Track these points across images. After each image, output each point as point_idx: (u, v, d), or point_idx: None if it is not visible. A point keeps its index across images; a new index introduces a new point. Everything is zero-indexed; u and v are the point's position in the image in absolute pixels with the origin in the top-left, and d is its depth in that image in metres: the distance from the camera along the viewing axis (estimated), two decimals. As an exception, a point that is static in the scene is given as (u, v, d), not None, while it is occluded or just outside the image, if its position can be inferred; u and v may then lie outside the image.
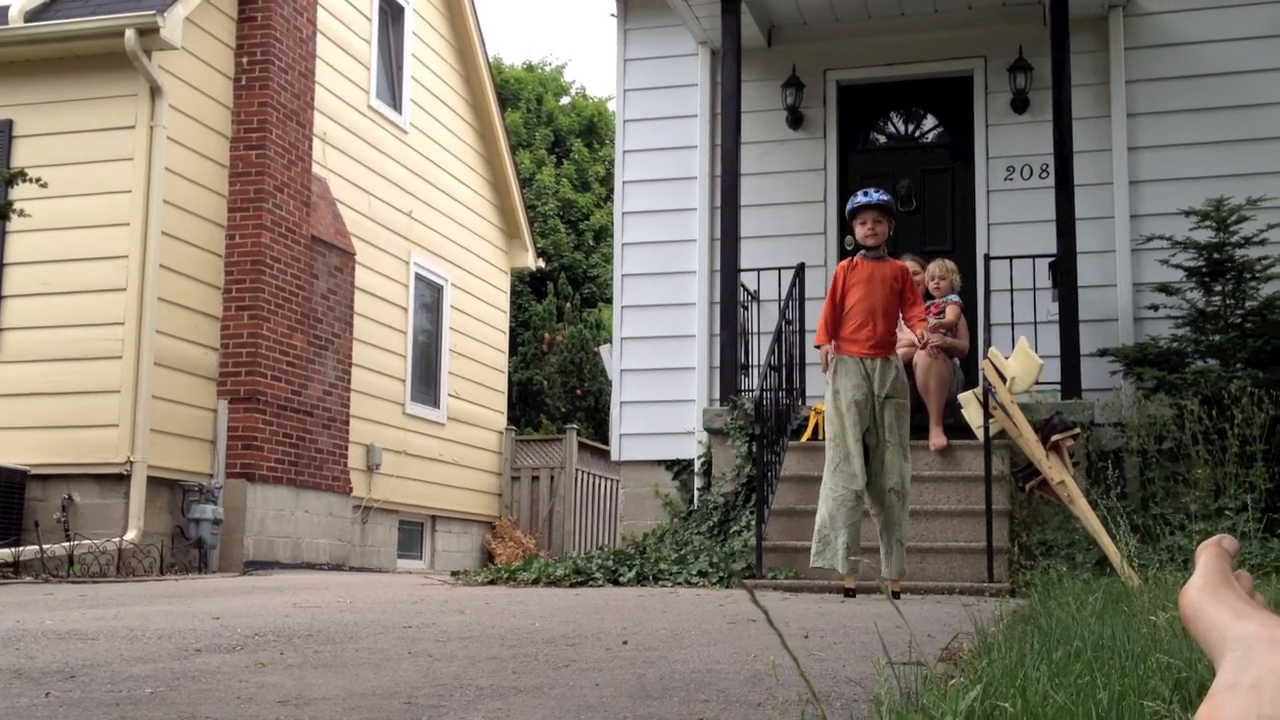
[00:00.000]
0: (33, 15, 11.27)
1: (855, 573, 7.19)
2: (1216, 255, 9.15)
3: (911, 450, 9.05)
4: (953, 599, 7.02)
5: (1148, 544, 7.52)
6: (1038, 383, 8.34)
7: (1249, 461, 8.02)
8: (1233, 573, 0.79)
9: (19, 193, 9.92)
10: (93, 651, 4.19)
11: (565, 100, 29.07)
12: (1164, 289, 9.37)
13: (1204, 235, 9.26)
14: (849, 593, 7.20)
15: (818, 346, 7.58)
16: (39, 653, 4.14)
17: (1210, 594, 0.76)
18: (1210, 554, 0.79)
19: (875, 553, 7.36)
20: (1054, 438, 7.75)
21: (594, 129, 27.99)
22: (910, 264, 9.58)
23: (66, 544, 10.36)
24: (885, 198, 7.39)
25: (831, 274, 10.35)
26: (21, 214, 9.83)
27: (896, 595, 7.06)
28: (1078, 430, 7.99)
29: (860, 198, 7.41)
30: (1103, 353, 9.55)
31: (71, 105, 11.26)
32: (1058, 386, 9.12)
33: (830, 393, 7.37)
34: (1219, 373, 8.62)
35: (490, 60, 18.02)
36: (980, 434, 8.26)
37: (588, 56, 63.54)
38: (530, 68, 29.33)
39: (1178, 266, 9.31)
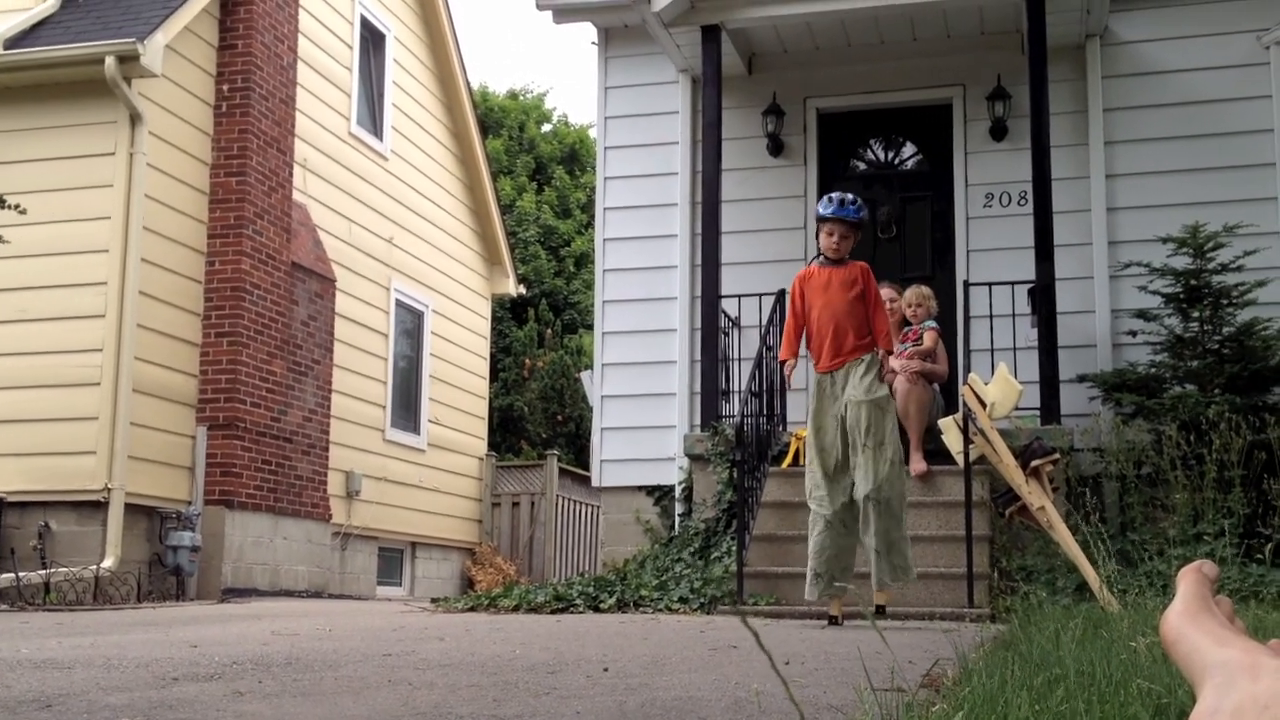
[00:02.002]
0: (13, 42, 11.26)
1: (837, 598, 7.05)
2: (1194, 281, 9.20)
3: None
4: (933, 625, 7.02)
5: (1127, 569, 7.54)
6: (1017, 408, 8.36)
7: (1227, 487, 8.04)
8: (1213, 598, 0.79)
9: (-3, 219, 9.87)
10: (69, 680, 4.16)
11: (547, 127, 29.13)
12: (1142, 315, 9.42)
13: (1181, 262, 9.32)
14: (832, 620, 7.05)
15: (781, 362, 7.48)
16: (15, 682, 4.11)
17: (1191, 619, 0.76)
18: (1190, 579, 0.79)
19: (867, 578, 7.15)
20: (1034, 463, 7.77)
21: (575, 156, 28.04)
22: (888, 291, 9.63)
23: (43, 572, 10.29)
24: (856, 215, 7.17)
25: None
26: (0, 240, 9.78)
27: (881, 610, 6.87)
28: (1057, 456, 8.01)
29: (832, 208, 7.17)
30: (1082, 378, 9.59)
31: (51, 132, 11.24)
32: (1037, 412, 9.15)
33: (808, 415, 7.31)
34: (1197, 398, 8.66)
35: (471, 87, 18.06)
36: (960, 460, 8.26)
37: (569, 84, 63.75)
38: (513, 95, 29.38)
39: (1155, 293, 9.36)
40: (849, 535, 7.09)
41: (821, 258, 7.26)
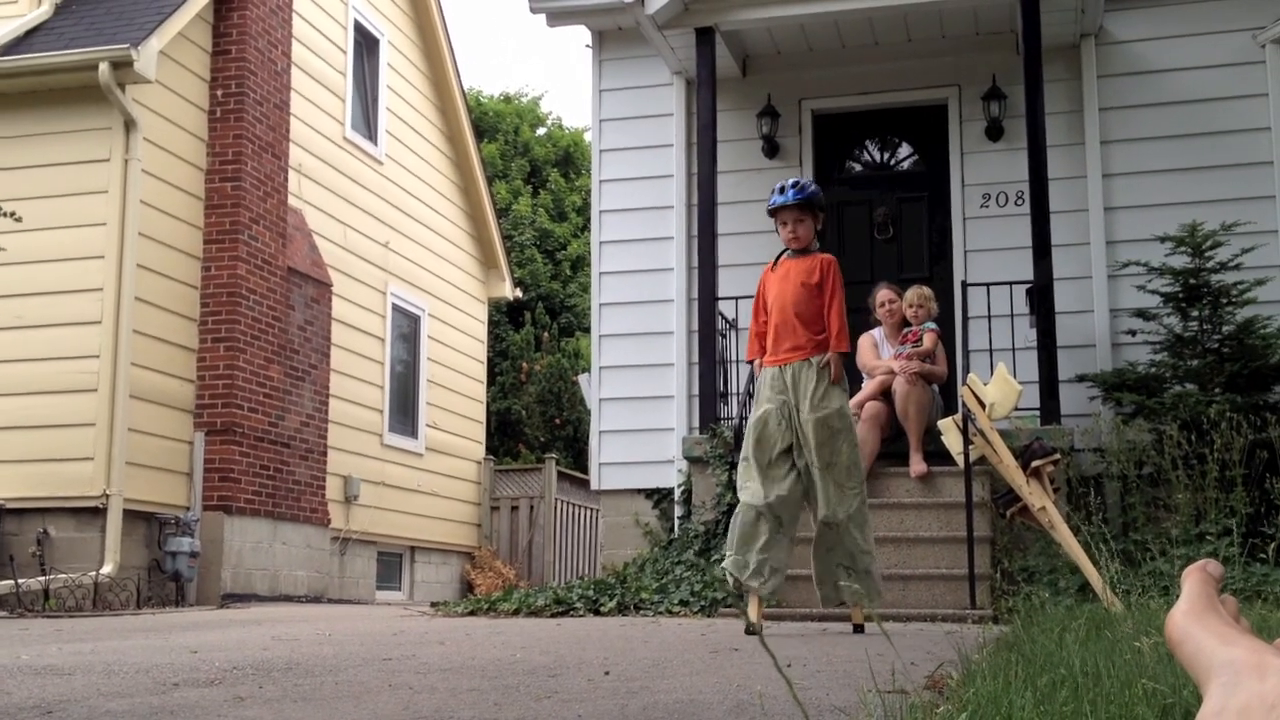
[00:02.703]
0: (6, 49, 11.25)
1: (759, 601, 6.55)
2: (1192, 280, 9.20)
3: (892, 477, 9.09)
4: (935, 626, 7.01)
5: (1129, 569, 7.52)
6: (1017, 409, 8.34)
7: (1229, 486, 8.03)
8: (1218, 597, 0.78)
9: (-7, 226, 9.87)
10: (69, 687, 4.15)
11: (542, 131, 29.12)
12: (1141, 314, 9.42)
13: (1180, 261, 9.31)
14: (750, 628, 6.33)
15: (749, 362, 7.15)
16: (15, 688, 4.10)
17: (1196, 619, 0.76)
18: (1195, 579, 0.79)
19: (803, 580, 6.78)
20: (1034, 464, 7.75)
21: (570, 159, 28.04)
22: (887, 292, 9.63)
23: (42, 578, 10.28)
24: (799, 195, 6.68)
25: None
26: (-4, 247, 9.79)
27: (859, 628, 6.58)
28: (1058, 456, 7.99)
29: (776, 197, 6.75)
30: (1081, 378, 9.58)
31: (46, 138, 11.22)
32: (1037, 412, 9.14)
33: None
34: (1197, 397, 8.65)
35: (465, 91, 18.06)
36: (960, 461, 8.25)
37: (564, 87, 63.78)
38: (508, 99, 29.37)
39: (1154, 292, 9.36)
40: (782, 532, 6.61)
41: (788, 251, 6.89)
